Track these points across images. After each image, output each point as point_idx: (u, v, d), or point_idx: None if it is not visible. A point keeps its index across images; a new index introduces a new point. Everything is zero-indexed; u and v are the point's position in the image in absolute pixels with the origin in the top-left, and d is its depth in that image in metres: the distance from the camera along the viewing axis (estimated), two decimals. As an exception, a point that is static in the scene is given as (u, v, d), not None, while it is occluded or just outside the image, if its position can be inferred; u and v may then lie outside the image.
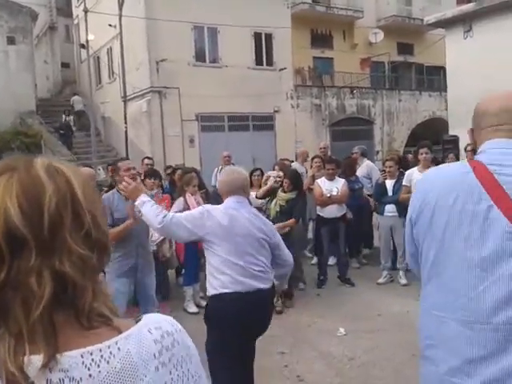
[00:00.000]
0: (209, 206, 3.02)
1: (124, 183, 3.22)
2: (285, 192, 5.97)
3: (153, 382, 0.79)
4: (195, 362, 0.87)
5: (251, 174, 6.84)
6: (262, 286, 2.89)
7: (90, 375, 0.74)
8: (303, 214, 6.41)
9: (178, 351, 0.83)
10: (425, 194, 1.54)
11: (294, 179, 6.09)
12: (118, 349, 0.78)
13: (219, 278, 2.84)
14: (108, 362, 0.76)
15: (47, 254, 0.75)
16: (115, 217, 4.02)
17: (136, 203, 3.08)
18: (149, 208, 2.97)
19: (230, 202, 2.99)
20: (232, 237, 2.85)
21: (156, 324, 0.84)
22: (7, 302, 0.73)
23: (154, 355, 0.80)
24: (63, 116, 17.47)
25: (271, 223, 3.28)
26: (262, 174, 6.91)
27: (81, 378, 0.74)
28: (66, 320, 0.77)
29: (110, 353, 0.77)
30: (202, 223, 2.86)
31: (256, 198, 6.13)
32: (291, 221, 5.72)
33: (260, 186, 6.64)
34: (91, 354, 0.76)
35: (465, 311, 1.40)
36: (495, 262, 1.36)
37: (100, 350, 0.76)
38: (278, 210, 5.83)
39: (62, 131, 16.65)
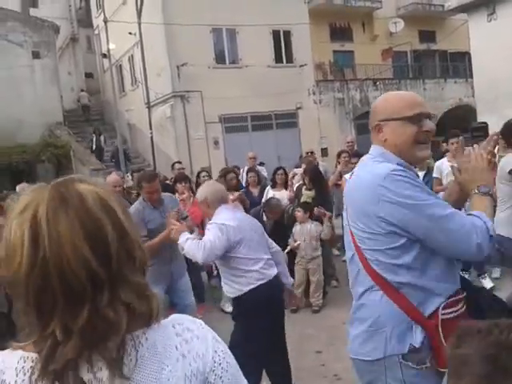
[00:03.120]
0: (218, 219, 3.24)
1: (171, 226, 3.50)
2: (308, 190, 5.99)
3: (174, 371, 0.86)
4: (220, 357, 0.93)
5: (274, 173, 6.86)
6: (276, 271, 3.32)
7: (124, 363, 0.82)
8: (329, 210, 6.29)
9: (196, 344, 0.90)
10: None
11: (313, 176, 6.07)
12: (146, 339, 0.86)
13: (247, 275, 3.17)
14: (137, 351, 0.84)
15: (115, 288, 0.82)
16: (149, 227, 4.02)
17: (179, 242, 3.30)
18: (190, 244, 3.21)
19: (224, 209, 3.28)
20: (248, 235, 3.21)
21: (179, 321, 0.93)
22: (91, 334, 0.79)
23: (176, 347, 0.88)
24: (93, 137, 16.96)
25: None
26: (286, 173, 6.90)
27: None
28: (137, 326, 0.86)
29: (139, 342, 0.85)
30: (228, 236, 3.14)
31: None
32: (328, 214, 5.83)
33: (283, 185, 6.67)
34: (124, 340, 0.83)
35: None
36: None
37: (131, 340, 0.84)
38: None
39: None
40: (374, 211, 1.69)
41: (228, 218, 3.21)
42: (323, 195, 6.10)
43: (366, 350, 1.78)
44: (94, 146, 16.66)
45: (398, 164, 1.74)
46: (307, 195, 5.94)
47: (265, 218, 5.72)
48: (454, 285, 1.78)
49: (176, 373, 0.86)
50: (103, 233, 0.81)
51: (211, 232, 3.19)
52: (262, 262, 3.22)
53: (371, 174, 1.73)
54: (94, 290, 0.79)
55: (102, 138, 16.99)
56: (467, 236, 1.63)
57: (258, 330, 3.15)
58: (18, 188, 6.07)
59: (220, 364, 0.92)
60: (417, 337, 1.69)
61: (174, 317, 0.95)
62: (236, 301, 3.30)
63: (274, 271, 3.28)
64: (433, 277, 1.70)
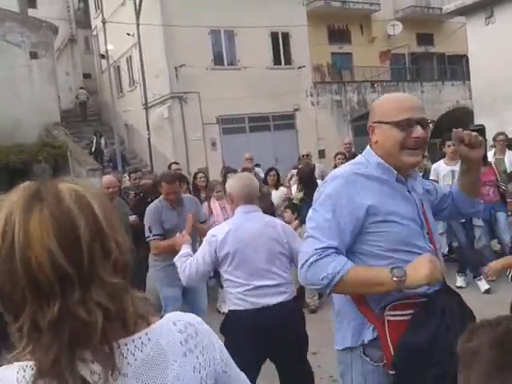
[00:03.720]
0: (214, 231, 2.90)
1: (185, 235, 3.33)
2: (299, 191, 6.00)
3: (183, 366, 0.88)
4: (219, 348, 0.96)
5: (266, 174, 6.98)
6: (279, 299, 2.79)
7: (128, 363, 0.83)
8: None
9: (201, 339, 0.92)
10: None
11: (304, 177, 6.07)
12: (149, 339, 0.86)
13: (232, 294, 2.82)
14: (141, 351, 0.84)
15: (87, 287, 0.80)
16: (165, 227, 4.08)
17: (174, 259, 3.08)
18: (179, 265, 2.98)
19: (239, 214, 2.89)
20: (240, 254, 2.76)
21: (178, 317, 0.94)
22: (64, 333, 0.78)
23: (181, 343, 0.89)
24: (94, 138, 16.77)
25: (289, 227, 3.18)
26: (277, 174, 6.99)
27: (121, 367, 0.81)
28: (115, 328, 0.83)
29: (142, 343, 0.85)
30: (212, 252, 2.80)
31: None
32: (295, 223, 5.44)
33: (274, 186, 6.74)
34: (126, 344, 0.84)
35: None
36: None
37: (133, 341, 0.85)
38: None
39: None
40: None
41: (223, 228, 2.86)
42: (312, 198, 6.07)
43: (336, 340, 1.85)
44: (93, 148, 16.47)
45: (377, 163, 1.80)
46: (296, 197, 5.97)
47: None
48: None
49: (185, 367, 0.88)
50: (75, 230, 0.79)
51: (201, 246, 2.92)
52: (248, 286, 2.76)
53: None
54: (63, 287, 0.78)
55: (102, 140, 16.77)
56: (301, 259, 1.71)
57: (239, 357, 2.83)
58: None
59: (224, 355, 0.97)
60: (367, 333, 1.72)
61: (170, 315, 0.95)
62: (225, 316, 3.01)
63: (270, 300, 2.78)
64: None
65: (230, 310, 2.88)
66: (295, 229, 5.37)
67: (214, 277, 6.54)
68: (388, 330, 1.67)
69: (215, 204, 5.67)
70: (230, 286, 2.82)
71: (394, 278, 1.55)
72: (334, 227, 1.67)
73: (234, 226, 2.84)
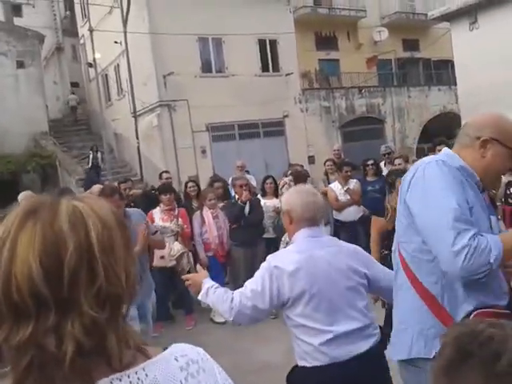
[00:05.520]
0: (276, 260, 2.21)
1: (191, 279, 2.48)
2: None
3: None
4: None
5: (263, 182, 6.88)
6: (367, 346, 2.15)
7: None
8: None
9: (203, 379, 0.84)
10: None
11: (300, 178, 6.09)
12: (146, 375, 0.79)
13: (303, 347, 2.16)
14: None
15: (64, 315, 0.74)
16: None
17: (200, 297, 2.32)
18: (214, 297, 2.24)
19: (301, 239, 2.26)
20: (316, 291, 2.13)
21: (182, 352, 0.86)
22: (22, 361, 0.73)
23: (181, 382, 0.81)
24: (90, 154, 15.71)
25: (362, 250, 2.44)
26: (275, 181, 6.92)
27: None
28: (98, 364, 0.76)
29: (138, 378, 0.78)
30: (275, 291, 2.13)
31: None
32: None
33: (273, 194, 6.68)
34: (120, 379, 0.77)
35: None
36: None
37: (128, 376, 0.78)
38: None
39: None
40: (405, 196, 1.71)
41: (289, 256, 2.20)
42: None
43: (395, 349, 1.77)
44: (90, 164, 15.57)
45: (461, 166, 1.75)
46: None
47: None
48: (493, 297, 1.70)
49: None
50: (60, 252, 0.74)
51: (255, 277, 2.21)
52: (328, 334, 2.11)
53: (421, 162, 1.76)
54: (39, 311, 0.73)
55: (99, 155, 15.92)
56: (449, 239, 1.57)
57: None
58: (20, 196, 5.90)
59: None
60: None
61: (176, 348, 0.87)
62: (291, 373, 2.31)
63: (359, 348, 2.13)
64: (467, 283, 1.64)
65: (301, 367, 2.19)
66: None
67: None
68: None
69: (207, 213, 5.67)
70: (305, 333, 2.15)
71: None
72: (464, 210, 1.63)
73: (304, 255, 2.18)
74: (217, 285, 2.30)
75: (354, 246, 2.42)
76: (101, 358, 0.76)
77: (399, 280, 1.80)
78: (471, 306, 1.67)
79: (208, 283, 2.29)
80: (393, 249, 1.87)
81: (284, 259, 2.20)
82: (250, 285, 2.19)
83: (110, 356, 0.76)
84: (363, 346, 2.13)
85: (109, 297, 0.77)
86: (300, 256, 2.17)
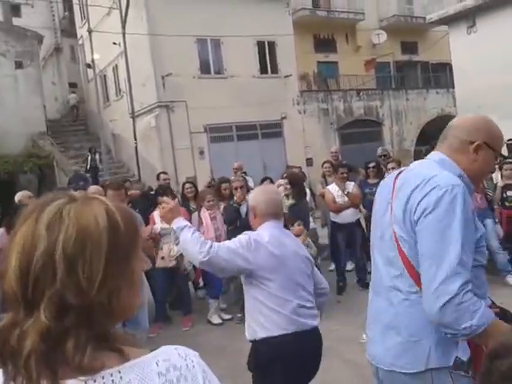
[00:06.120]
0: (254, 234, 2.54)
1: (163, 204, 2.63)
2: (287, 198, 5.98)
3: None
4: None
5: (261, 183, 6.89)
6: (315, 322, 2.54)
7: None
8: (306, 219, 6.16)
9: None
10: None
11: (295, 181, 6.09)
12: (121, 377, 0.76)
13: (273, 317, 2.42)
14: None
15: (29, 313, 0.76)
16: None
17: (174, 226, 2.48)
18: (189, 236, 2.41)
19: (271, 228, 2.57)
20: (284, 269, 2.45)
21: (166, 356, 0.80)
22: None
23: None
24: (88, 155, 15.54)
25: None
26: (272, 183, 6.93)
27: None
28: (64, 364, 0.75)
29: (112, 381, 0.75)
30: (252, 255, 2.42)
31: None
32: (302, 236, 5.37)
33: None
34: (94, 381, 0.75)
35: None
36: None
37: (102, 377, 0.75)
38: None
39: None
40: (416, 204, 1.64)
41: (269, 240, 2.50)
42: (300, 205, 6.08)
43: (405, 362, 1.70)
44: (88, 166, 15.45)
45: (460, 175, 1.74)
46: (284, 205, 5.95)
47: None
48: (486, 295, 1.75)
49: None
50: (32, 253, 0.76)
51: (236, 239, 2.52)
52: (292, 304, 2.46)
53: (437, 173, 1.68)
54: (14, 304, 0.77)
55: (97, 156, 15.74)
56: (440, 293, 1.53)
57: None
58: (17, 196, 5.89)
59: None
60: (464, 349, 1.64)
61: (162, 350, 0.82)
62: (252, 346, 2.58)
63: (312, 322, 2.53)
64: (474, 283, 1.62)
65: (270, 337, 2.43)
66: (302, 242, 5.38)
67: (203, 287, 6.54)
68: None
69: (205, 214, 5.67)
70: (275, 305, 2.43)
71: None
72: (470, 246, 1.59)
73: (275, 236, 2.54)
74: (194, 228, 2.53)
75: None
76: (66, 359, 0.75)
77: (402, 287, 1.71)
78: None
79: (186, 222, 2.51)
80: (391, 255, 1.79)
81: (260, 235, 2.53)
82: (229, 243, 2.49)
83: (67, 360, 0.74)
84: (313, 322, 2.52)
85: (69, 305, 0.75)
86: (271, 235, 2.51)
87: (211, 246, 2.38)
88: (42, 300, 0.75)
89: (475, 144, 1.74)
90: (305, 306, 2.48)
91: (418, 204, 1.63)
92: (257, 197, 2.67)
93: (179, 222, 2.48)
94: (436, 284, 1.53)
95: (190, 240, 2.39)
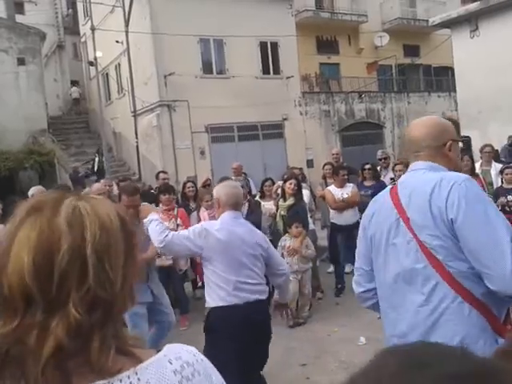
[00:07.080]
0: (207, 224, 3.17)
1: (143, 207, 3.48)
2: (284, 200, 5.96)
3: None
4: None
5: (262, 184, 6.88)
6: (258, 296, 3.04)
7: None
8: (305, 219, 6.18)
9: (198, 382, 0.82)
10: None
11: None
12: (138, 379, 0.77)
13: (218, 292, 2.98)
14: None
15: (51, 314, 0.74)
16: None
17: (144, 220, 3.23)
18: (154, 226, 3.11)
19: (226, 217, 3.08)
20: (229, 253, 2.98)
21: (176, 354, 0.83)
22: (18, 355, 0.73)
23: None
24: (96, 157, 15.50)
25: (263, 234, 3.44)
26: (273, 183, 6.92)
27: None
28: (82, 368, 0.75)
29: (130, 383, 0.76)
30: (201, 241, 2.98)
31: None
32: (299, 238, 5.51)
33: (272, 196, 6.67)
34: None
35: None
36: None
37: (120, 381, 0.76)
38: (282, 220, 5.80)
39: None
40: (444, 205, 1.66)
41: (219, 228, 3.05)
42: (298, 206, 6.05)
43: None
44: (95, 167, 15.43)
45: None
46: (282, 207, 5.93)
47: None
48: None
49: None
50: (53, 251, 0.74)
51: (191, 228, 3.17)
52: (233, 281, 2.98)
53: (443, 174, 1.77)
54: (27, 306, 0.73)
55: (104, 158, 15.64)
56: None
57: (222, 351, 2.86)
58: (30, 191, 5.86)
59: None
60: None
61: (169, 349, 0.84)
62: (206, 313, 3.13)
63: (256, 297, 3.03)
64: None
65: (216, 307, 2.98)
66: (301, 242, 5.37)
67: (202, 287, 6.53)
68: None
69: (204, 214, 5.67)
70: (219, 281, 2.97)
71: None
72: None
73: (225, 226, 3.05)
74: (161, 221, 3.23)
75: (261, 232, 3.39)
76: (85, 363, 0.75)
77: (447, 298, 1.68)
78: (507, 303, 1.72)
79: (156, 216, 3.24)
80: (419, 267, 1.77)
81: (211, 224, 3.17)
82: (183, 232, 3.18)
83: (90, 360, 0.74)
84: (258, 296, 3.03)
85: (99, 301, 0.75)
86: (222, 226, 3.04)
87: (167, 235, 3.03)
88: (69, 297, 0.74)
89: (448, 144, 1.87)
90: (248, 282, 2.99)
91: (447, 202, 1.66)
92: (219, 190, 3.19)
93: (151, 216, 3.21)
94: (510, 266, 1.57)
95: (154, 230, 3.08)
